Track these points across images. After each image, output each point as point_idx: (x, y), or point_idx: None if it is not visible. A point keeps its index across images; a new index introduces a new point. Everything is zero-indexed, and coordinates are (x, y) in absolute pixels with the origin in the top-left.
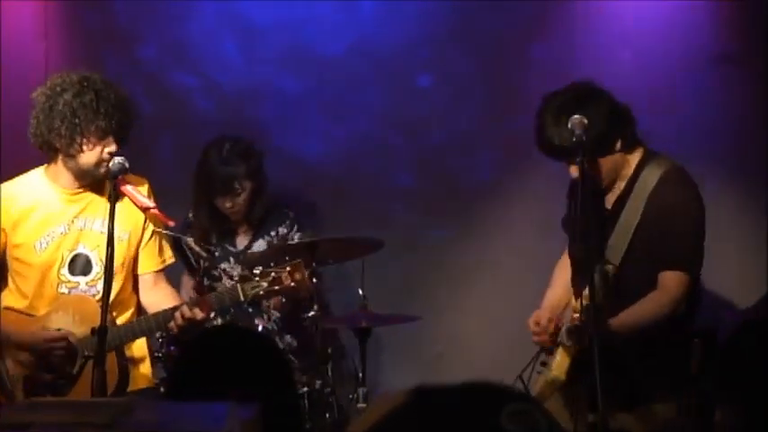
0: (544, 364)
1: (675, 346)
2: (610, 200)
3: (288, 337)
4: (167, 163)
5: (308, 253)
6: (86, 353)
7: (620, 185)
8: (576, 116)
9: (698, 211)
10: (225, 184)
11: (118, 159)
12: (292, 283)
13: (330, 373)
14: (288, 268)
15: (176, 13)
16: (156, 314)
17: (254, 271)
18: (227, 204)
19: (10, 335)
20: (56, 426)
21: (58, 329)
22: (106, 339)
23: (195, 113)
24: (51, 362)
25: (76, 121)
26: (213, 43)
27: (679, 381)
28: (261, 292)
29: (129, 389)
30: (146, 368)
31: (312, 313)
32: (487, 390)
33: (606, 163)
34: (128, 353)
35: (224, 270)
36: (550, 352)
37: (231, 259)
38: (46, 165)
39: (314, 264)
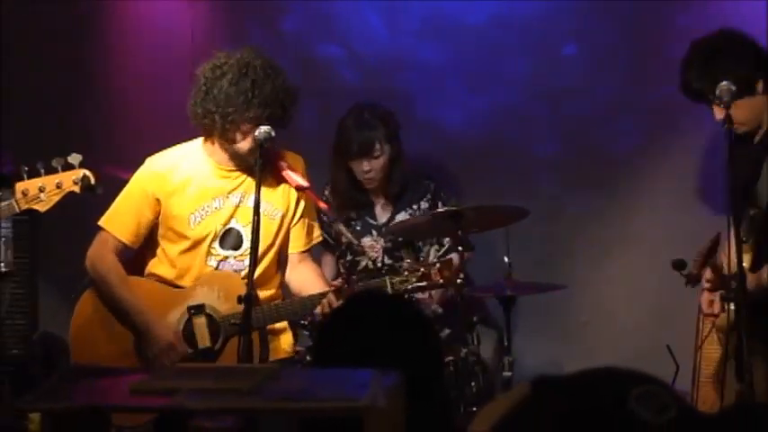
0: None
1: None
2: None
3: (433, 306)
4: (311, 134)
5: (452, 222)
6: (233, 321)
7: (761, 132)
8: (724, 83)
9: None
10: (363, 146)
11: (264, 128)
12: (441, 280)
13: (475, 342)
14: (437, 265)
15: None
16: (303, 299)
17: (404, 265)
18: (365, 168)
19: (146, 317)
20: (201, 391)
21: (201, 305)
22: (252, 307)
23: (339, 84)
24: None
25: (230, 110)
26: (357, 14)
27: None
28: (409, 287)
29: (271, 358)
30: (287, 339)
31: (458, 281)
32: (612, 376)
33: (749, 105)
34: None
35: (368, 245)
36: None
37: (374, 232)
38: (203, 138)
39: (459, 232)
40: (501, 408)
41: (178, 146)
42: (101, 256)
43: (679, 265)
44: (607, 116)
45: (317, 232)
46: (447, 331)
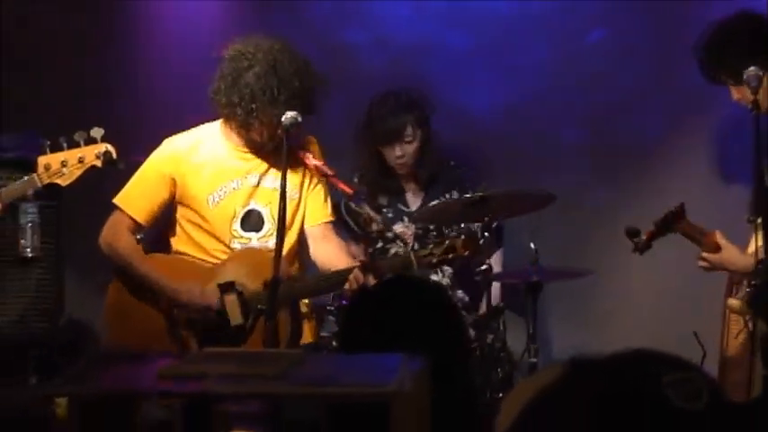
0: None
1: None
2: None
3: (459, 293)
4: (337, 120)
5: (479, 207)
6: (259, 306)
7: None
8: (751, 69)
9: None
10: (395, 131)
11: (291, 114)
12: (466, 252)
13: (501, 328)
14: (462, 236)
15: None
16: (329, 275)
17: (429, 237)
18: (398, 153)
19: (169, 281)
20: (228, 376)
21: (230, 282)
22: (278, 292)
23: (364, 71)
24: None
25: (253, 106)
26: (383, 1)
27: None
28: (433, 260)
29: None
30: (309, 324)
31: (484, 268)
32: (649, 359)
33: (764, 86)
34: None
35: (399, 231)
36: None
37: (405, 219)
38: (222, 120)
39: (485, 218)
40: (534, 387)
41: (196, 128)
42: (117, 235)
43: (632, 233)
44: (633, 103)
45: (332, 209)
46: (473, 317)
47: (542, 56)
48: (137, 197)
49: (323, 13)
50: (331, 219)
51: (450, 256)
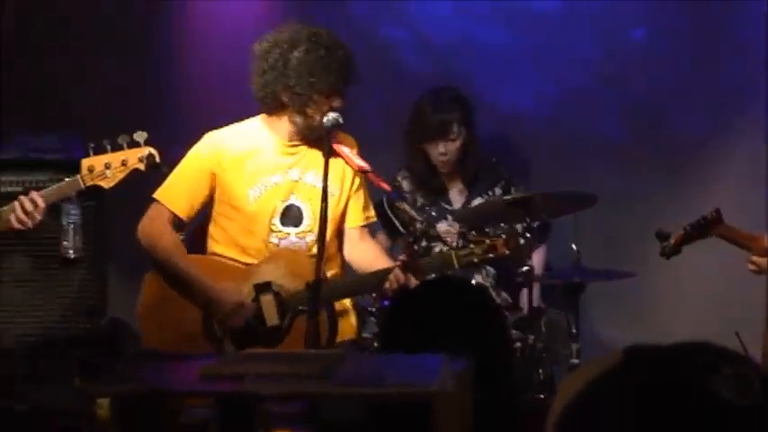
0: None
1: None
2: None
3: (503, 294)
4: (376, 117)
5: (521, 208)
6: (300, 307)
7: None
8: None
9: None
10: (440, 128)
11: (332, 114)
12: (507, 251)
13: (543, 329)
14: (503, 236)
15: None
16: (370, 275)
17: (470, 236)
18: (441, 150)
19: (208, 284)
20: (269, 376)
21: (267, 283)
22: (320, 292)
23: (404, 69)
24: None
25: (312, 79)
26: None
27: None
28: (474, 260)
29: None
30: (350, 320)
31: (526, 269)
32: (701, 351)
33: None
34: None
35: (443, 230)
36: None
37: (449, 217)
38: (265, 114)
39: (527, 219)
40: (585, 378)
41: (237, 123)
42: (158, 228)
43: (661, 236)
44: (676, 101)
45: (372, 211)
46: (515, 318)
47: (583, 54)
48: (178, 192)
49: (364, 11)
50: (369, 221)
51: (492, 255)
